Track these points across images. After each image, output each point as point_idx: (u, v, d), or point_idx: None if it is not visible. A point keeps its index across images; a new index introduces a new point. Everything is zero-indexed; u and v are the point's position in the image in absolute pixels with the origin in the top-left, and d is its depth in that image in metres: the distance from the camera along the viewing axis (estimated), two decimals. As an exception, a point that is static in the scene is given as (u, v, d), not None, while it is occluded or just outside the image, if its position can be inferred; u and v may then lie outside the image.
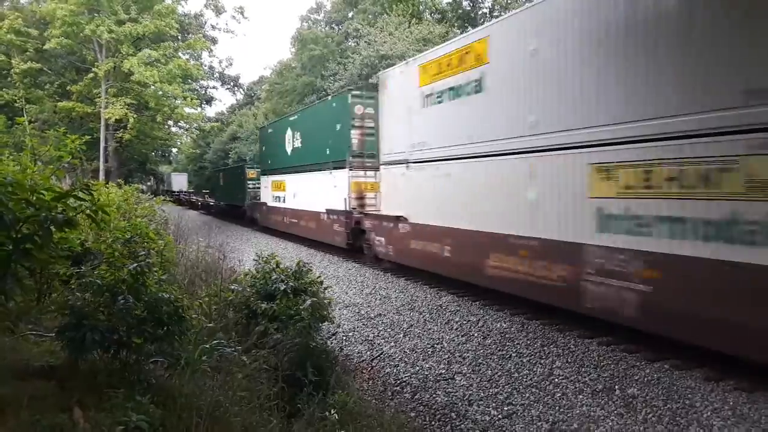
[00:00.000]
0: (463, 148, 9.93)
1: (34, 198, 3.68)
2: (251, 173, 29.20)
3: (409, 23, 30.04)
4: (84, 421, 3.20)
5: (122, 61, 26.39)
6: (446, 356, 7.51)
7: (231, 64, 73.44)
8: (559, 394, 6.10)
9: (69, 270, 5.20)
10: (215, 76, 49.89)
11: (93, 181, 13.19)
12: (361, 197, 15.28)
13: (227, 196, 34.66)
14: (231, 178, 34.08)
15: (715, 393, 5.62)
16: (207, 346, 4.61)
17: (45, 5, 27.71)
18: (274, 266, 7.43)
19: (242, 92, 61.43)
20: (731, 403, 5.37)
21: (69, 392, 3.53)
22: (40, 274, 5.19)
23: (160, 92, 27.52)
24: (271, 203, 23.42)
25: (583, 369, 6.62)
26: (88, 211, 4.06)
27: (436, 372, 7.03)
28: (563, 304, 8.00)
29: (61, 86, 30.13)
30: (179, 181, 64.09)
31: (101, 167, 28.19)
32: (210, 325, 5.62)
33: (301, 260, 7.71)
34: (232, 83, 55.71)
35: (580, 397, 5.97)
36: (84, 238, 6.20)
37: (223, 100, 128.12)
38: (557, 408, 5.80)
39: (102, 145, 28.35)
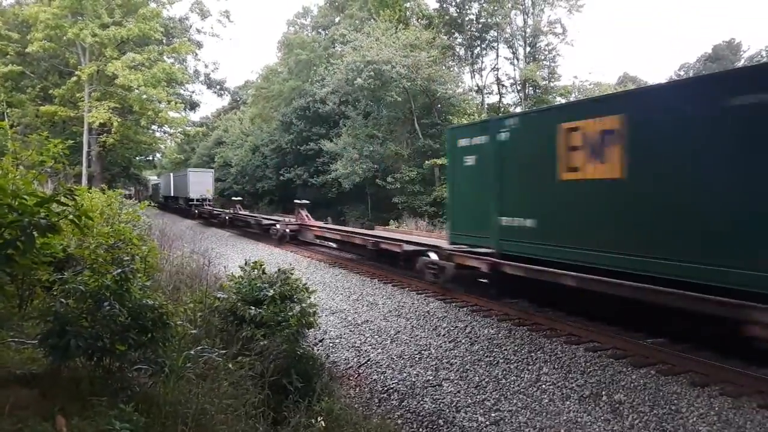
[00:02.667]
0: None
1: (17, 203, 3.62)
2: None
3: (396, 29, 30.10)
4: (66, 430, 3.15)
5: (106, 65, 26.17)
6: (434, 363, 7.50)
7: (217, 68, 72.72)
8: (546, 400, 6.11)
9: (51, 276, 5.11)
10: (201, 79, 49.44)
11: (76, 186, 13.03)
12: None
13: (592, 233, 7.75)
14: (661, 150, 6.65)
15: (701, 398, 5.65)
16: (192, 352, 4.56)
17: (27, 8, 27.46)
18: (260, 273, 7.38)
19: (228, 94, 60.76)
20: (717, 409, 5.41)
21: (51, 400, 3.48)
22: (21, 280, 5.11)
23: (144, 96, 27.29)
24: None
25: (570, 375, 6.63)
26: (71, 217, 3.99)
27: (424, 378, 7.01)
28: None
29: (44, 90, 29.83)
30: (200, 184, 37.59)
31: (84, 172, 27.87)
32: (194, 331, 5.56)
33: (282, 267, 7.65)
34: (218, 86, 55.28)
35: (567, 403, 5.99)
36: (66, 244, 6.11)
37: (209, 103, 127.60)
38: (544, 414, 5.81)
39: (85, 149, 28.05)
